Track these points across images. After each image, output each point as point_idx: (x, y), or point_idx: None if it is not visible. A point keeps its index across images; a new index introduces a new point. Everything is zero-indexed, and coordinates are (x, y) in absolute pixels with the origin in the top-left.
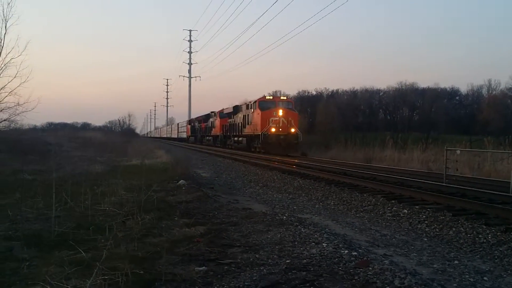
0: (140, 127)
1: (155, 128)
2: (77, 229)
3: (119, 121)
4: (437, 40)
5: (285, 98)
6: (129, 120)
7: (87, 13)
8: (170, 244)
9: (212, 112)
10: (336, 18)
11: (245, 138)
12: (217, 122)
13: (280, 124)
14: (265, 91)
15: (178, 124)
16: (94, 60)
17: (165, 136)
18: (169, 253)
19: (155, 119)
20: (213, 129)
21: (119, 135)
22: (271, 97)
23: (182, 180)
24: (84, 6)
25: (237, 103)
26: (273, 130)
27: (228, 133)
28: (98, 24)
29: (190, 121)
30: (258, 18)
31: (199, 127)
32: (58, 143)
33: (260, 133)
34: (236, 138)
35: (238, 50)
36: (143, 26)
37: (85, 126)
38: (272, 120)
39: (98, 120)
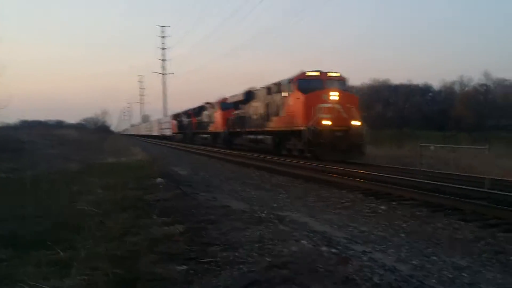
0: (115, 124)
1: (132, 125)
2: (54, 228)
3: (93, 118)
4: (410, 37)
5: (337, 74)
6: (104, 118)
7: (59, 8)
8: (150, 243)
9: (207, 103)
10: (314, 16)
11: (270, 137)
12: (218, 115)
13: (336, 114)
14: (243, 87)
15: (159, 119)
16: (67, 56)
17: (143, 133)
18: (148, 252)
19: (129, 116)
20: (210, 124)
21: (94, 133)
22: (317, 73)
23: (159, 178)
24: (57, 1)
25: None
26: (326, 122)
27: (237, 129)
28: (71, 19)
29: (175, 116)
30: (235, 12)
31: (189, 122)
32: (32, 140)
33: (303, 128)
34: (251, 136)
35: (214, 46)
36: (117, 22)
37: (59, 124)
38: (322, 107)
39: (72, 118)
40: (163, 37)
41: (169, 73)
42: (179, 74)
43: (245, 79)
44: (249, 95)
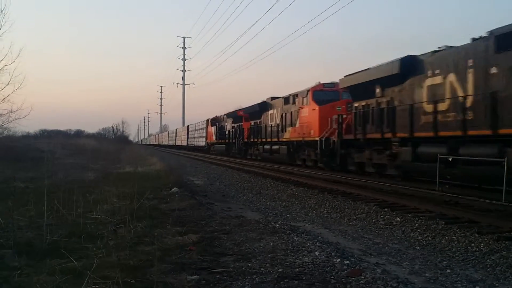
0: (133, 134)
1: (150, 135)
2: (69, 237)
3: (112, 128)
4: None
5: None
6: (123, 127)
7: (80, 21)
8: (162, 252)
9: (272, 98)
10: (334, 23)
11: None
12: (310, 110)
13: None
14: (262, 97)
15: (188, 127)
16: (88, 67)
17: (165, 143)
18: (161, 262)
19: (148, 126)
20: (287, 129)
21: (113, 142)
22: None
23: (175, 188)
24: (78, 14)
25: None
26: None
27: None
28: (91, 31)
29: (214, 121)
30: (253, 25)
31: (238, 129)
32: (51, 150)
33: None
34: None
35: (232, 57)
36: (137, 33)
37: (79, 133)
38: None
39: (91, 127)
40: (184, 48)
41: (189, 84)
42: (197, 85)
43: (263, 91)
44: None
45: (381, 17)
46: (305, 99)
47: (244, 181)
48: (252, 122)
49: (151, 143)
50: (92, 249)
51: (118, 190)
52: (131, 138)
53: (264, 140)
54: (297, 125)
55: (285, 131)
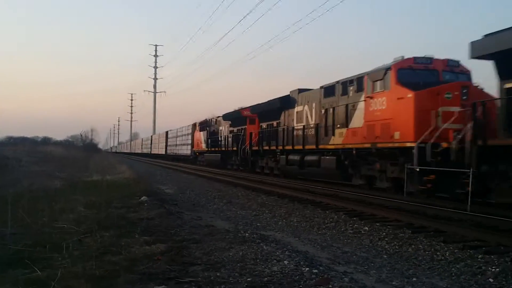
0: (103, 142)
1: (120, 143)
2: (34, 247)
3: (81, 135)
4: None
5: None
6: (92, 135)
7: (48, 27)
8: (129, 262)
9: (300, 91)
10: (305, 35)
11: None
12: (393, 99)
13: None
14: (233, 107)
15: (167, 133)
16: (56, 73)
17: (138, 151)
18: (127, 272)
19: (118, 133)
20: (340, 130)
21: (81, 150)
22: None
23: (144, 197)
24: (45, 20)
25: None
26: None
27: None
28: (60, 37)
29: (202, 125)
30: (226, 34)
31: (240, 133)
32: (17, 157)
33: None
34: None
35: (205, 66)
36: (108, 40)
37: (46, 141)
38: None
39: (59, 135)
40: (155, 55)
41: (161, 92)
42: (169, 93)
43: (237, 99)
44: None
45: (355, 28)
46: (378, 83)
47: (215, 190)
48: (265, 125)
49: (122, 151)
50: (57, 259)
51: (85, 199)
52: (100, 146)
53: (289, 147)
54: (360, 124)
55: (332, 135)
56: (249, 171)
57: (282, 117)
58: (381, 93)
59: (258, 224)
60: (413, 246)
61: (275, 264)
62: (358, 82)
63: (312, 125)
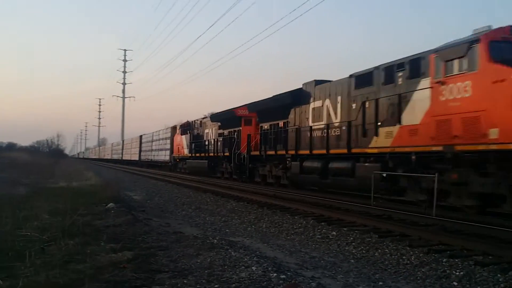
0: (69, 148)
1: (87, 148)
2: None
3: (47, 141)
4: None
5: None
6: (58, 140)
7: (14, 30)
8: (95, 270)
9: (317, 82)
10: (276, 40)
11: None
12: (485, 82)
13: None
14: (203, 111)
15: (141, 137)
16: (23, 78)
17: (108, 157)
18: (92, 280)
19: (86, 139)
20: (386, 129)
21: (47, 156)
22: None
23: (111, 203)
24: (10, 22)
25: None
26: None
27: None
28: (27, 41)
29: (184, 127)
30: (196, 40)
31: (233, 136)
32: None
33: None
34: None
35: (175, 71)
36: (76, 44)
37: (11, 146)
38: None
39: (24, 140)
40: (124, 60)
41: (130, 97)
42: (139, 98)
43: (208, 104)
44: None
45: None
46: (455, 63)
47: (184, 196)
48: (266, 125)
49: (90, 157)
50: (20, 268)
51: (50, 206)
52: (67, 151)
53: (304, 152)
54: (419, 120)
55: (374, 135)
56: (243, 181)
57: (291, 116)
58: (461, 76)
59: (227, 230)
60: (379, 250)
61: (243, 270)
62: (413, 65)
63: (337, 124)
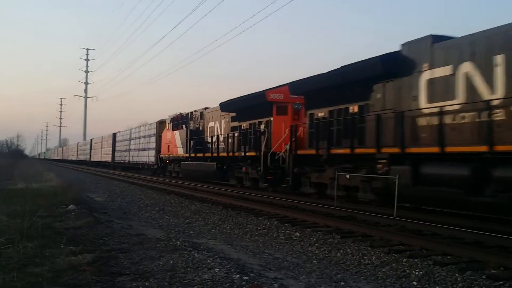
0: (30, 148)
1: (48, 149)
2: None
3: (6, 141)
4: None
5: None
6: (18, 141)
7: None
8: (54, 274)
9: (435, 39)
10: (238, 43)
11: None
12: None
13: None
14: (167, 112)
15: (114, 135)
16: None
17: (73, 158)
18: (51, 284)
19: (46, 139)
20: None
21: (5, 157)
22: None
23: (72, 205)
24: None
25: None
26: None
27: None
28: None
29: (176, 121)
30: (161, 39)
31: (256, 131)
32: None
33: None
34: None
35: (138, 72)
36: (36, 43)
37: None
38: None
39: None
40: (87, 59)
41: (92, 97)
42: (102, 98)
43: (170, 106)
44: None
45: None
46: None
47: (148, 197)
48: (322, 112)
49: (52, 157)
50: None
51: (9, 208)
52: (27, 152)
53: (421, 150)
54: None
55: None
56: (283, 191)
57: (378, 95)
58: None
59: (190, 232)
60: (341, 251)
61: (206, 272)
62: None
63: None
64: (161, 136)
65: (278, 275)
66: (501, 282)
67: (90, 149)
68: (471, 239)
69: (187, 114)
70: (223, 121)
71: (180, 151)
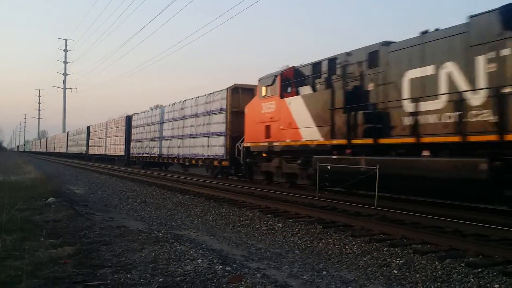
0: (7, 141)
1: (27, 141)
2: None
3: None
4: None
5: None
6: None
7: None
8: (33, 267)
9: None
10: (222, 34)
11: None
12: None
13: None
14: (148, 105)
15: (130, 118)
16: None
17: (61, 151)
18: (31, 277)
19: (25, 131)
20: None
21: None
22: None
23: (51, 198)
24: None
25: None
26: None
27: None
28: None
29: (299, 78)
30: (138, 32)
31: None
32: None
33: None
34: None
35: (118, 62)
36: (12, 33)
37: None
38: None
39: None
40: (65, 50)
41: (71, 88)
42: (81, 89)
43: (152, 97)
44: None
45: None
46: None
47: (129, 189)
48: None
49: (33, 150)
50: None
51: None
52: (5, 144)
53: None
54: None
55: None
56: None
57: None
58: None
59: (173, 223)
60: (323, 240)
61: (189, 263)
62: None
63: None
64: (237, 112)
65: (261, 265)
66: (479, 270)
67: (87, 138)
68: (451, 227)
69: (315, 64)
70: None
71: (310, 134)
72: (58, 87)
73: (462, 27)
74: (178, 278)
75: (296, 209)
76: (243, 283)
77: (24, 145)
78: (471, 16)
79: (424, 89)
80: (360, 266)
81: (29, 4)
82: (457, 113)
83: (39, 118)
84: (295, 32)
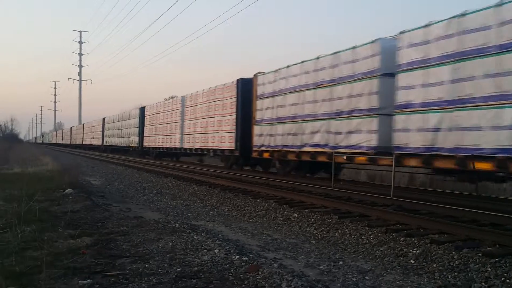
0: (24, 132)
1: (44, 133)
2: None
3: (0, 125)
4: None
5: None
6: (12, 125)
7: None
8: (53, 257)
9: None
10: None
11: None
12: None
13: None
14: (163, 96)
15: (184, 99)
16: None
17: (93, 143)
18: (50, 267)
19: (41, 123)
20: None
21: (1, 141)
22: None
23: (69, 189)
24: None
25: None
26: None
27: None
28: None
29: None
30: (154, 22)
31: None
32: None
33: None
34: None
35: (132, 55)
36: (28, 25)
37: None
38: None
39: None
40: (80, 42)
41: (86, 80)
42: (96, 81)
43: (166, 89)
44: None
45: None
46: None
47: (145, 180)
48: None
49: (54, 141)
50: None
51: (5, 192)
52: (21, 136)
53: None
54: None
55: None
56: None
57: None
58: None
59: (189, 214)
60: (339, 231)
61: (206, 253)
62: None
63: None
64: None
65: (277, 255)
66: (496, 259)
67: (130, 129)
68: (467, 217)
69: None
70: None
71: None
72: (73, 79)
73: None
74: (196, 268)
75: (311, 199)
76: (260, 273)
77: (42, 136)
78: None
79: None
80: (377, 256)
81: None
82: None
83: (55, 110)
84: (319, 20)
